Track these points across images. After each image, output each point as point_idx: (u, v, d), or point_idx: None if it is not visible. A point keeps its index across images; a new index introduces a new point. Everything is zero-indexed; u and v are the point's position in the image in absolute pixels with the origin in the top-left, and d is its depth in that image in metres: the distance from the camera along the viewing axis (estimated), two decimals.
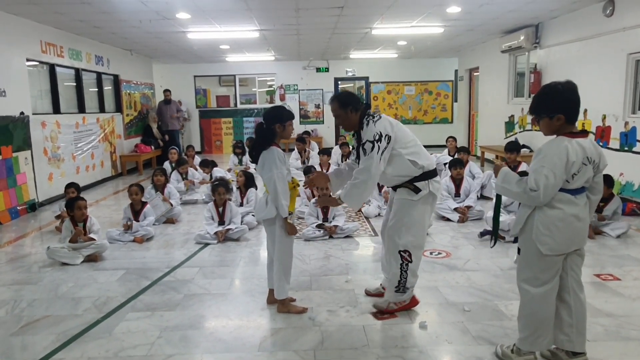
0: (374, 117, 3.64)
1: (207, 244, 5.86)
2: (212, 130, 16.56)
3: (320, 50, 13.43)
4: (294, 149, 11.29)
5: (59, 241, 5.65)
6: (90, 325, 3.78)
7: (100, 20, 8.45)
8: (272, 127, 3.81)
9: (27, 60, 8.16)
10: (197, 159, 10.35)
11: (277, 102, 16.12)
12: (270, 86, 16.75)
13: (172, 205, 7.03)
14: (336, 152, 10.61)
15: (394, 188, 3.80)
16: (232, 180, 8.13)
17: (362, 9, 8.05)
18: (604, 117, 7.73)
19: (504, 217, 5.48)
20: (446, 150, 9.95)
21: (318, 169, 8.63)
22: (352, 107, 3.71)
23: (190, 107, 16.31)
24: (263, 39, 10.91)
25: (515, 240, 3.04)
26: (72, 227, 5.48)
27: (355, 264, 5.12)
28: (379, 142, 3.53)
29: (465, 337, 3.46)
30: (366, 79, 16.46)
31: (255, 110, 16.39)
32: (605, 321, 3.64)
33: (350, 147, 10.27)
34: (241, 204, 6.92)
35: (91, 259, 5.33)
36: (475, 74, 14.03)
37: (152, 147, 12.77)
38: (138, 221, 6.26)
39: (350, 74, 16.39)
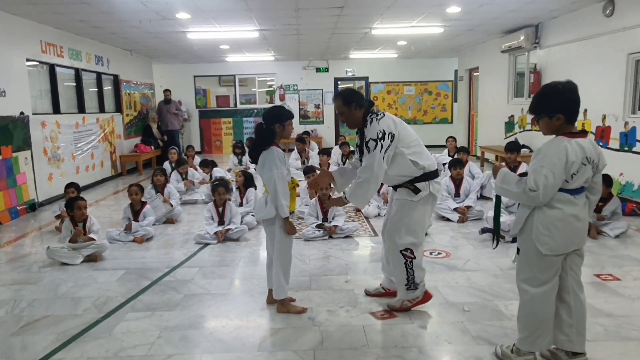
0: (377, 115, 3.64)
1: (206, 244, 5.86)
2: (212, 131, 16.56)
3: (320, 50, 13.43)
4: (293, 149, 11.29)
5: (58, 241, 5.65)
6: (90, 325, 3.78)
7: (100, 20, 8.45)
8: (271, 127, 3.81)
9: (27, 60, 8.17)
10: (197, 159, 10.35)
11: (277, 102, 16.11)
12: (270, 86, 16.75)
13: (172, 206, 7.04)
14: (336, 152, 10.61)
15: (394, 188, 3.80)
16: (232, 180, 8.13)
17: (362, 9, 8.05)
18: (604, 117, 7.73)
19: (505, 218, 5.48)
20: (446, 151, 9.95)
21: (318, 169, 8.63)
22: (356, 104, 3.71)
23: (190, 107, 16.31)
24: (263, 39, 10.91)
25: (515, 240, 3.04)
26: (72, 227, 5.48)
27: (354, 264, 5.12)
28: (382, 141, 3.53)
29: (465, 337, 3.46)
30: (366, 79, 16.46)
31: (255, 111, 16.39)
32: (605, 321, 3.64)
33: (351, 148, 10.29)
34: (241, 204, 6.92)
35: (91, 259, 5.33)
36: (475, 74, 14.03)
37: (152, 147, 12.77)
38: (138, 221, 6.25)
39: (350, 74, 16.39)
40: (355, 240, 5.99)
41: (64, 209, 6.00)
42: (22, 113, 7.79)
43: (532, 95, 4.21)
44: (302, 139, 11.13)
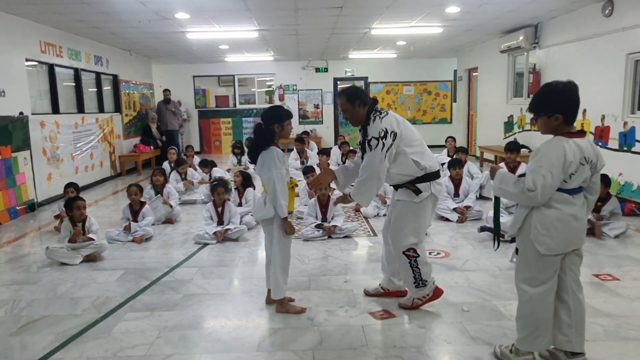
0: (380, 113, 3.65)
1: (206, 244, 5.86)
2: (212, 131, 16.57)
3: (320, 50, 13.44)
4: (293, 149, 11.29)
5: (58, 241, 5.65)
6: (89, 325, 3.78)
7: (99, 21, 8.45)
8: (270, 128, 3.81)
9: (26, 60, 8.16)
10: (197, 159, 10.35)
11: (277, 102, 16.11)
12: (270, 86, 16.75)
13: (171, 207, 7.03)
14: (335, 152, 10.62)
15: (395, 187, 3.80)
16: (231, 181, 8.13)
17: (361, 9, 8.05)
18: (603, 117, 7.74)
19: (505, 219, 5.47)
20: (445, 151, 9.95)
21: (317, 169, 8.62)
22: (359, 102, 3.71)
23: (190, 107, 16.32)
24: (262, 39, 10.91)
25: (513, 240, 3.04)
26: (71, 227, 5.47)
27: (354, 264, 5.13)
28: (383, 139, 3.53)
29: (463, 337, 3.46)
30: (365, 79, 16.46)
31: (255, 111, 16.40)
32: (604, 321, 3.64)
33: (350, 147, 10.28)
34: (240, 204, 6.92)
35: (90, 259, 5.32)
36: (474, 74, 14.04)
37: (151, 147, 12.77)
38: (137, 221, 6.25)
39: (349, 74, 16.40)
40: (355, 240, 5.99)
41: (63, 209, 6.00)
42: (21, 113, 7.79)
43: (531, 96, 4.22)
44: (302, 139, 11.13)
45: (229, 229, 6.02)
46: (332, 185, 7.40)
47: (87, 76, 10.50)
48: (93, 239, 5.44)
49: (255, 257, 5.43)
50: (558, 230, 2.80)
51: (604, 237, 5.74)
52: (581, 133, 2.84)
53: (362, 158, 3.73)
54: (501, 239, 3.21)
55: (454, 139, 10.08)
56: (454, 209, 6.75)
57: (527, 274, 2.93)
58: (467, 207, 6.80)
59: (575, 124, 2.88)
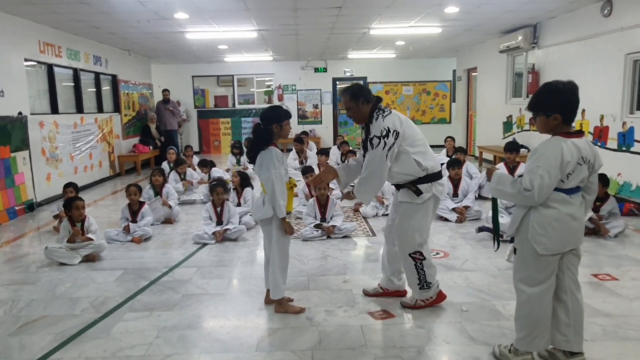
0: (384, 112, 3.65)
1: (205, 244, 5.86)
2: (211, 131, 16.57)
3: (319, 50, 13.44)
4: (291, 149, 11.28)
5: (57, 241, 5.65)
6: (88, 325, 3.77)
7: (98, 21, 8.44)
8: (269, 128, 3.81)
9: (25, 60, 8.16)
10: (196, 159, 10.34)
11: (276, 102, 16.11)
12: (269, 86, 16.75)
13: (170, 207, 7.03)
14: (334, 152, 10.62)
15: (397, 187, 3.80)
16: (230, 181, 8.13)
17: (360, 9, 8.05)
18: (602, 117, 7.74)
19: (505, 219, 5.47)
20: (444, 151, 9.95)
21: (316, 169, 8.63)
22: (363, 99, 3.71)
23: (189, 107, 16.31)
24: (261, 39, 10.91)
25: (512, 240, 3.04)
26: (70, 227, 5.47)
27: (353, 264, 5.13)
28: (385, 138, 3.54)
29: (462, 337, 3.46)
30: (364, 79, 16.46)
31: (254, 111, 16.39)
32: (603, 321, 3.64)
33: (350, 147, 10.29)
34: (238, 204, 6.92)
35: (89, 259, 5.32)
36: (473, 74, 14.04)
37: (151, 147, 12.76)
38: (136, 221, 6.25)
39: (348, 74, 16.40)
40: (354, 240, 6.00)
41: (62, 208, 6.00)
42: (20, 113, 7.79)
43: (530, 96, 4.23)
44: (301, 139, 11.13)
45: (228, 229, 6.02)
46: (331, 185, 7.43)
47: (86, 76, 10.49)
48: (92, 239, 5.44)
49: (254, 257, 5.43)
50: (555, 230, 2.80)
51: (609, 237, 5.74)
52: (579, 133, 2.85)
53: (364, 156, 3.73)
54: (500, 239, 3.22)
55: (453, 139, 10.08)
56: (453, 209, 6.76)
57: (525, 273, 2.93)
58: (466, 207, 6.80)
59: (574, 124, 2.88)
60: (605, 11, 7.49)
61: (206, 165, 9.53)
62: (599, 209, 5.86)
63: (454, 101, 16.23)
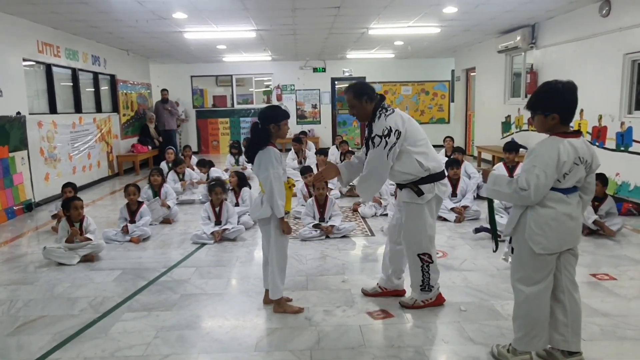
0: (387, 111, 3.64)
1: (203, 244, 5.86)
2: (209, 131, 16.56)
3: (317, 50, 13.44)
4: (290, 149, 11.28)
5: (55, 241, 5.65)
6: (87, 326, 3.77)
7: (97, 20, 8.44)
8: (267, 127, 3.81)
9: (24, 60, 8.14)
10: (194, 159, 10.34)
11: (274, 102, 16.11)
12: (267, 86, 16.75)
13: (169, 207, 7.02)
14: (333, 152, 10.62)
15: (400, 187, 3.80)
16: (228, 181, 8.12)
17: (358, 8, 8.05)
18: (600, 117, 7.75)
19: (504, 219, 5.48)
20: (443, 150, 9.95)
21: (315, 169, 8.63)
22: (367, 97, 3.71)
23: (187, 107, 16.30)
24: (260, 39, 10.91)
25: (511, 241, 3.05)
26: (69, 227, 5.47)
27: (351, 264, 5.13)
28: (387, 138, 3.54)
29: (461, 337, 3.46)
30: (363, 79, 16.41)
31: (252, 111, 16.38)
32: (602, 321, 3.65)
33: (349, 147, 10.30)
34: (236, 204, 6.91)
35: (87, 259, 5.32)
36: (471, 74, 14.05)
37: (149, 147, 12.75)
38: (134, 221, 6.24)
39: (347, 74, 16.40)
40: (352, 240, 6.00)
41: (61, 208, 5.99)
42: (18, 113, 7.78)
43: (528, 96, 4.23)
44: (299, 139, 11.13)
45: (227, 228, 6.01)
46: (330, 185, 7.43)
47: (85, 76, 10.48)
48: (90, 239, 5.44)
49: (253, 257, 5.43)
50: (552, 230, 2.81)
51: (600, 234, 5.76)
52: (577, 133, 2.85)
53: (367, 154, 3.73)
54: (499, 239, 3.24)
55: (452, 138, 10.09)
56: (452, 209, 6.76)
57: (522, 273, 2.94)
58: (465, 207, 6.81)
59: (572, 124, 2.88)
60: (604, 11, 7.50)
61: (205, 165, 9.52)
62: (597, 208, 5.88)
63: (453, 101, 16.23)
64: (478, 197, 7.77)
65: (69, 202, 5.61)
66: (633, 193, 7.11)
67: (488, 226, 5.93)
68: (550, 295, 2.94)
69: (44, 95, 8.96)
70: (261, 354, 3.31)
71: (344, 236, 6.05)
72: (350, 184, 4.19)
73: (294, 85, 16.47)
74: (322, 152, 9.54)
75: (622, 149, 7.30)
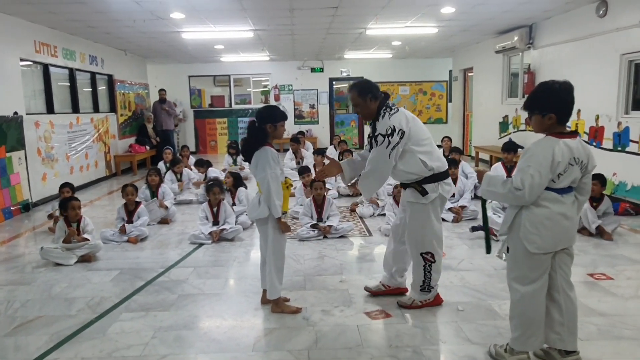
0: (391, 110, 3.63)
1: (201, 244, 5.86)
2: (207, 131, 16.53)
3: (315, 50, 13.44)
4: (288, 149, 11.28)
5: (52, 241, 5.63)
6: (84, 326, 3.77)
7: (94, 20, 8.42)
8: (263, 127, 3.81)
9: (21, 60, 8.12)
10: (192, 159, 10.33)
11: (272, 102, 16.11)
12: (265, 86, 16.74)
13: (167, 207, 7.02)
14: (331, 152, 10.62)
15: (404, 187, 3.80)
16: (224, 181, 8.12)
17: (356, 9, 8.06)
18: (597, 118, 7.77)
19: (502, 219, 5.49)
20: (440, 151, 9.92)
21: (312, 169, 8.63)
22: (371, 96, 3.70)
23: (185, 107, 16.29)
24: (257, 39, 10.90)
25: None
26: (66, 228, 5.46)
27: (349, 263, 5.13)
28: (390, 137, 3.53)
29: (459, 337, 3.47)
30: (361, 79, 16.43)
31: (250, 111, 16.36)
32: (599, 320, 3.66)
33: (347, 146, 10.30)
34: (233, 204, 6.91)
35: (85, 259, 5.31)
36: (469, 74, 14.07)
37: (147, 147, 12.74)
38: (132, 221, 6.24)
39: (344, 74, 16.40)
40: (350, 240, 6.00)
41: (57, 208, 5.98)
42: (15, 113, 7.76)
43: (526, 96, 4.24)
44: (297, 139, 11.13)
45: (225, 229, 6.01)
46: (328, 185, 7.43)
47: (82, 76, 10.46)
48: (88, 239, 5.43)
49: (251, 257, 5.43)
50: (547, 229, 2.82)
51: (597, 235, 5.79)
52: (573, 134, 2.86)
53: (370, 152, 3.73)
54: (494, 238, 3.25)
55: (450, 139, 10.10)
56: (450, 209, 6.76)
57: (518, 272, 2.95)
58: (463, 207, 6.82)
59: (569, 124, 2.89)
60: (601, 12, 7.52)
61: (203, 165, 9.52)
62: (595, 209, 5.89)
63: (450, 101, 16.23)
64: (475, 197, 7.78)
65: (67, 202, 5.61)
66: (630, 193, 7.13)
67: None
68: (545, 295, 2.95)
69: (41, 95, 8.94)
70: (259, 354, 3.31)
71: (341, 236, 6.05)
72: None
73: (291, 85, 16.47)
74: (319, 152, 9.54)
75: (619, 149, 7.32)
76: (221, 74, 16.35)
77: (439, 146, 10.25)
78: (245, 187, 7.20)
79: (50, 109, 9.03)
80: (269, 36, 10.59)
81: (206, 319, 3.88)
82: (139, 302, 4.22)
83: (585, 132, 8.03)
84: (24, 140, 7.96)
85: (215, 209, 6.19)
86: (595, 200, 5.89)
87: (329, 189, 7.76)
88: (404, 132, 3.55)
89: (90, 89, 10.92)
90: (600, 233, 5.74)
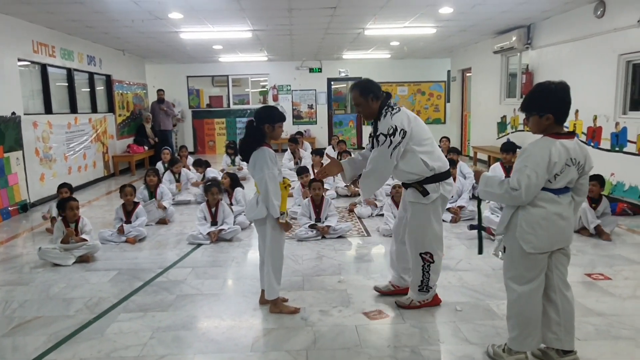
0: (392, 109, 3.63)
1: (199, 245, 5.86)
2: (205, 131, 16.53)
3: (313, 50, 13.44)
4: (286, 150, 11.28)
5: (50, 242, 5.62)
6: (82, 326, 3.76)
7: (92, 20, 8.41)
8: (261, 127, 3.81)
9: (19, 60, 8.11)
10: (190, 160, 10.33)
11: (270, 103, 16.10)
12: (263, 86, 16.74)
13: (165, 208, 7.01)
14: (329, 152, 10.61)
15: (405, 187, 3.80)
16: (221, 182, 8.12)
17: (354, 9, 8.06)
18: (595, 118, 7.78)
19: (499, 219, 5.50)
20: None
21: (310, 169, 8.63)
22: (373, 95, 3.70)
23: (184, 107, 16.28)
24: (256, 39, 10.90)
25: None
26: (64, 228, 5.45)
27: (347, 264, 5.13)
28: (391, 137, 3.53)
29: (457, 337, 3.47)
30: (360, 79, 16.42)
31: (248, 111, 16.36)
32: (596, 320, 3.66)
33: (345, 146, 10.31)
34: (230, 205, 6.90)
35: (83, 259, 5.30)
36: (467, 74, 14.08)
37: (145, 148, 12.73)
38: (130, 222, 6.24)
39: (343, 75, 16.40)
40: (348, 240, 6.00)
41: (53, 209, 5.97)
42: (13, 113, 7.75)
43: (524, 96, 4.25)
44: (295, 139, 11.12)
45: (223, 229, 6.01)
46: (326, 185, 7.42)
47: (80, 76, 10.45)
48: (86, 240, 5.43)
49: (249, 257, 5.43)
50: (543, 229, 2.83)
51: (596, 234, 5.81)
52: (570, 134, 2.86)
53: (371, 151, 3.74)
54: (492, 237, 3.26)
55: (448, 139, 10.11)
56: (448, 209, 6.76)
57: (514, 272, 2.96)
58: (461, 207, 6.83)
59: (567, 125, 2.90)
60: (599, 12, 7.53)
61: (201, 165, 9.51)
62: (594, 209, 5.90)
63: (449, 101, 16.26)
64: (474, 197, 7.79)
65: (65, 202, 5.60)
66: (628, 193, 7.14)
67: (483, 224, 5.95)
68: (542, 295, 2.95)
69: (39, 95, 8.93)
70: (257, 354, 3.31)
71: (340, 236, 6.05)
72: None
73: (290, 85, 16.47)
74: (317, 152, 9.54)
75: (617, 149, 7.33)
76: (219, 74, 16.35)
77: None
78: (242, 187, 7.20)
79: (48, 109, 9.02)
80: (268, 36, 10.59)
81: (204, 320, 3.87)
82: (137, 302, 4.22)
83: (583, 133, 8.04)
84: (21, 140, 7.95)
85: (213, 209, 6.19)
86: (594, 201, 5.90)
87: (327, 189, 7.76)
88: (405, 131, 3.55)
89: (89, 89, 10.91)
90: (598, 233, 5.75)
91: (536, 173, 2.74)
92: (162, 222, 6.94)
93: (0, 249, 6.01)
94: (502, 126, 11.39)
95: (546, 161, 2.74)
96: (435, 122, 16.65)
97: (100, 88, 11.47)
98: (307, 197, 6.56)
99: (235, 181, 7.19)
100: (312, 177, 7.34)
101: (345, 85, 16.93)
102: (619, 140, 7.29)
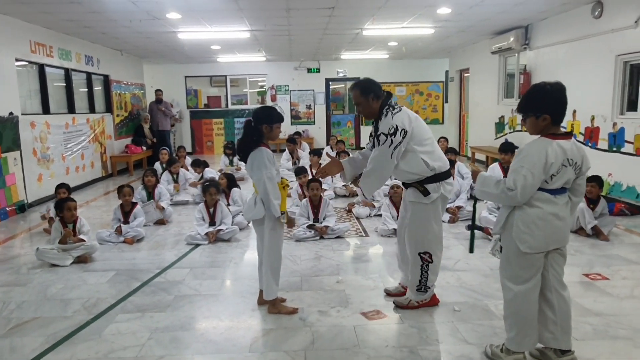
0: (393, 109, 3.63)
1: (197, 245, 5.85)
2: (203, 131, 16.52)
3: (312, 50, 13.44)
4: (285, 150, 11.28)
5: (48, 242, 5.62)
6: (80, 327, 3.76)
7: (90, 20, 8.40)
8: (259, 127, 3.81)
9: (16, 60, 8.10)
10: (189, 160, 10.32)
11: (269, 103, 16.10)
12: (262, 87, 16.73)
13: (163, 209, 7.00)
14: (329, 152, 10.61)
15: (405, 186, 3.80)
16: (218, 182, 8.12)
17: (353, 9, 8.06)
18: (593, 118, 7.80)
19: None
20: None
21: (309, 169, 8.63)
22: (373, 95, 3.70)
23: (182, 107, 16.26)
24: (254, 40, 10.90)
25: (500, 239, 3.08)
26: (62, 228, 5.44)
27: (346, 264, 5.13)
28: (392, 136, 3.53)
29: (455, 337, 3.48)
30: (357, 79, 16.43)
31: (247, 111, 16.36)
32: (594, 320, 3.67)
33: (344, 146, 10.31)
34: (227, 205, 6.89)
35: (81, 260, 5.30)
36: (465, 74, 14.10)
37: (143, 148, 12.72)
38: (128, 222, 6.23)
39: (341, 75, 16.41)
40: (347, 240, 6.00)
41: (51, 209, 5.96)
42: (11, 113, 7.74)
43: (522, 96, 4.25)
44: (293, 140, 11.12)
45: (221, 229, 6.01)
46: (324, 185, 7.42)
47: (78, 76, 10.44)
48: (84, 240, 5.42)
49: (247, 257, 5.42)
50: (539, 229, 2.83)
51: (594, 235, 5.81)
52: (567, 135, 2.87)
53: (371, 151, 3.73)
54: (490, 237, 3.26)
55: (446, 139, 10.12)
56: (446, 209, 6.76)
57: (510, 271, 2.97)
58: (459, 208, 6.83)
59: (565, 125, 2.91)
60: (596, 13, 7.54)
61: (199, 165, 9.50)
62: (592, 210, 5.90)
63: (447, 102, 16.28)
64: (471, 197, 7.79)
65: (63, 203, 5.59)
66: (625, 193, 7.16)
67: (480, 224, 5.97)
68: (539, 294, 2.96)
69: (37, 95, 8.92)
70: (256, 354, 3.31)
71: (338, 237, 6.05)
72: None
73: (288, 85, 16.47)
74: (315, 152, 9.54)
75: (615, 149, 7.35)
76: (217, 74, 16.35)
77: None
78: (239, 188, 7.19)
79: (46, 110, 9.01)
80: (266, 36, 10.59)
81: (203, 320, 3.87)
82: (135, 303, 4.21)
83: (580, 133, 8.05)
84: (19, 140, 7.93)
85: (211, 210, 6.18)
86: (593, 202, 5.91)
87: (326, 190, 7.75)
88: (406, 131, 3.55)
89: (86, 89, 10.90)
90: (596, 233, 5.76)
91: (532, 174, 2.75)
92: (160, 222, 6.93)
93: None
94: (500, 126, 11.40)
95: (542, 162, 2.75)
96: (433, 122, 16.65)
97: (98, 88, 11.46)
98: (304, 199, 6.55)
99: (232, 181, 7.19)
100: (310, 177, 7.35)
101: (343, 85, 16.93)
102: (616, 141, 7.31)
